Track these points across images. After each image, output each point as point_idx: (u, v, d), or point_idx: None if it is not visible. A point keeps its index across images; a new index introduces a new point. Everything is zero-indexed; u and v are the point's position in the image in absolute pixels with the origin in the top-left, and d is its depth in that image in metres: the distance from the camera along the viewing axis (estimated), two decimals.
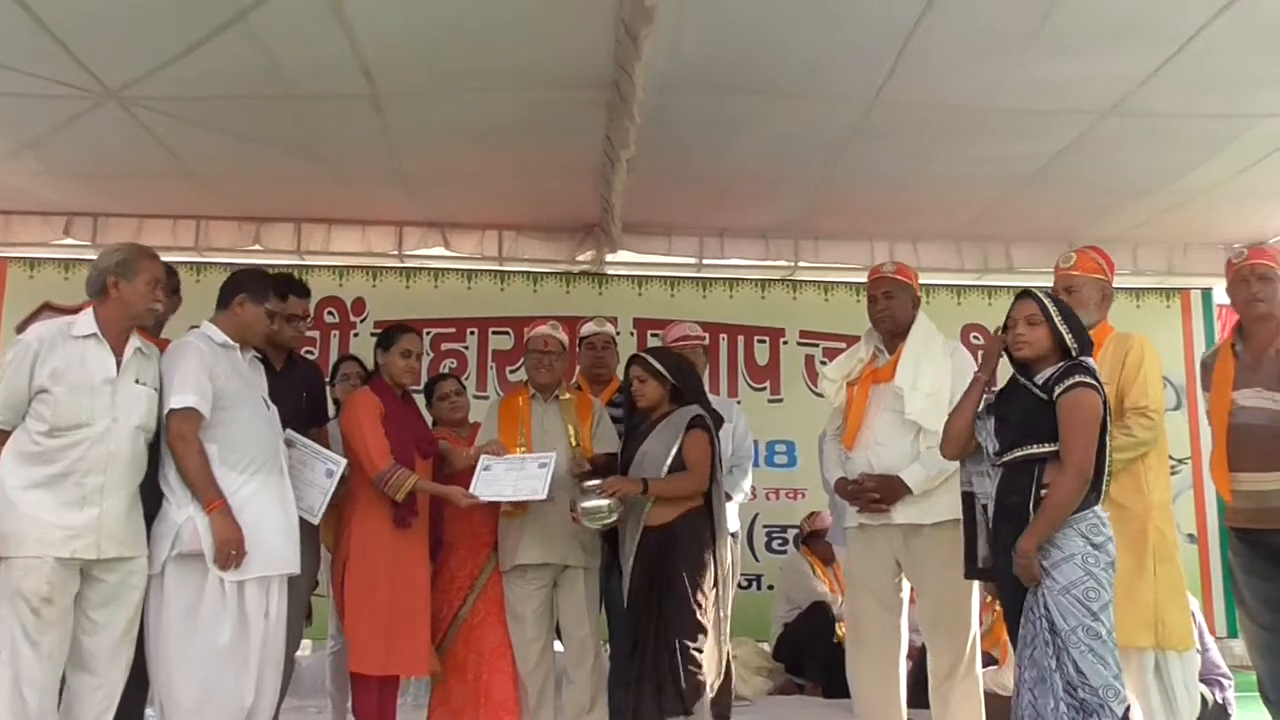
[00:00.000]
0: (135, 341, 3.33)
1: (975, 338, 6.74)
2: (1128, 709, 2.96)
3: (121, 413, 3.21)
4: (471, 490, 3.88)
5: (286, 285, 3.96)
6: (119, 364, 3.24)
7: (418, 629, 3.90)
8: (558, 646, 4.25)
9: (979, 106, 4.51)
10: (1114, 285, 3.81)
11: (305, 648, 4.72)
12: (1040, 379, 3.12)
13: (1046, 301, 3.15)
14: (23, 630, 3.07)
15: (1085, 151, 4.95)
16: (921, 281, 6.80)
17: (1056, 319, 3.13)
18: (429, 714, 4.19)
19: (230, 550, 3.25)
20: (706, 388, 4.44)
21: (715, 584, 3.85)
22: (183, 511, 3.28)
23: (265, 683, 3.39)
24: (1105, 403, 3.07)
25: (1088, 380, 3.04)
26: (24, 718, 3.05)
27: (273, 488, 3.46)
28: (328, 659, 4.52)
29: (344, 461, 3.80)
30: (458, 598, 4.13)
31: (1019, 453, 3.09)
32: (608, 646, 4.39)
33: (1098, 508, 3.06)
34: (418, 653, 3.90)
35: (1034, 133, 4.81)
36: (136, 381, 3.28)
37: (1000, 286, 6.89)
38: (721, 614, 3.89)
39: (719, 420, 4.03)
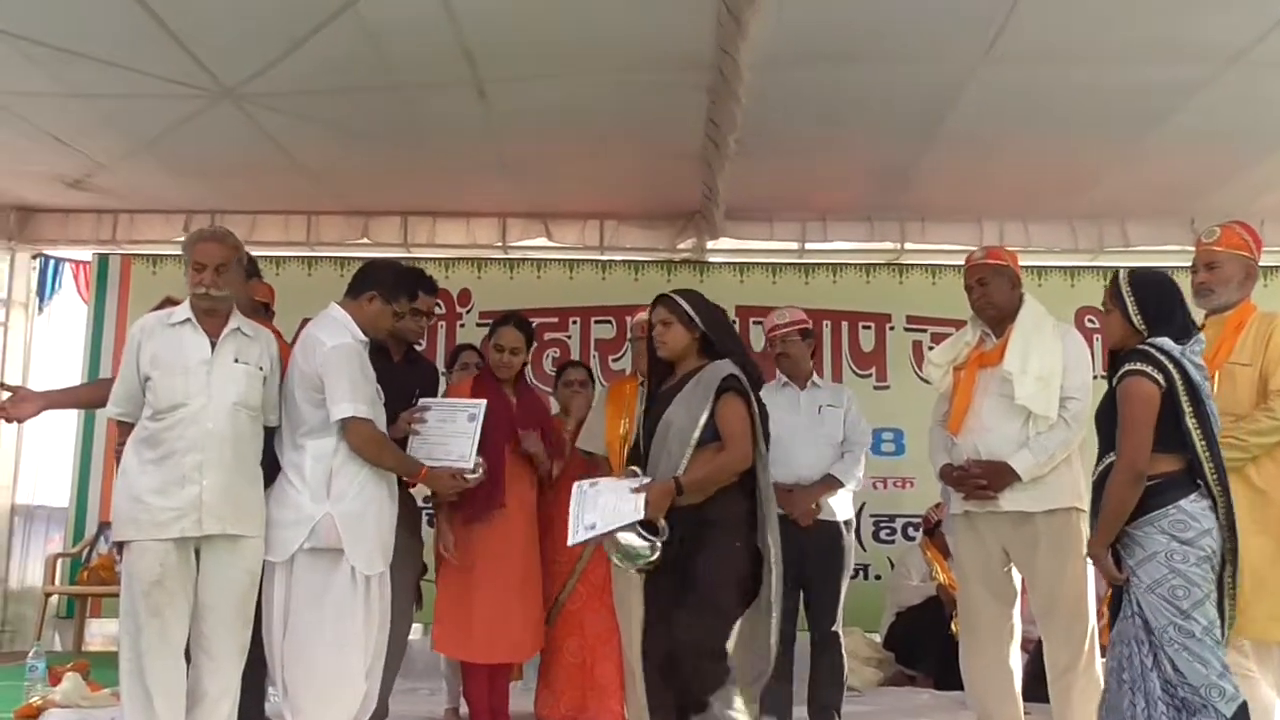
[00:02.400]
0: (235, 322, 3.38)
1: (1090, 321, 6.50)
2: (1243, 705, 2.79)
3: (217, 391, 3.27)
4: (571, 533, 3.41)
5: (417, 282, 3.98)
6: (214, 345, 3.31)
7: (509, 616, 3.91)
8: None
9: (1094, 56, 4.30)
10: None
11: (415, 631, 4.80)
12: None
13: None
14: (140, 613, 3.18)
15: (1207, 105, 4.69)
16: (1034, 263, 6.69)
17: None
18: (536, 693, 4.23)
19: (451, 496, 3.69)
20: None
21: (751, 577, 3.19)
22: (319, 507, 3.33)
23: (374, 670, 3.47)
24: (1171, 387, 2.86)
25: (1138, 366, 2.89)
26: (145, 698, 3.16)
27: (382, 481, 3.50)
28: None
29: (482, 403, 3.76)
30: (558, 582, 4.15)
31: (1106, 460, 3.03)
32: None
33: (1184, 502, 2.86)
34: (504, 640, 3.91)
35: (1152, 83, 4.57)
36: (235, 361, 3.33)
37: (1117, 268, 6.63)
38: (770, 602, 3.21)
39: (757, 378, 3.37)
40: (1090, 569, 3.62)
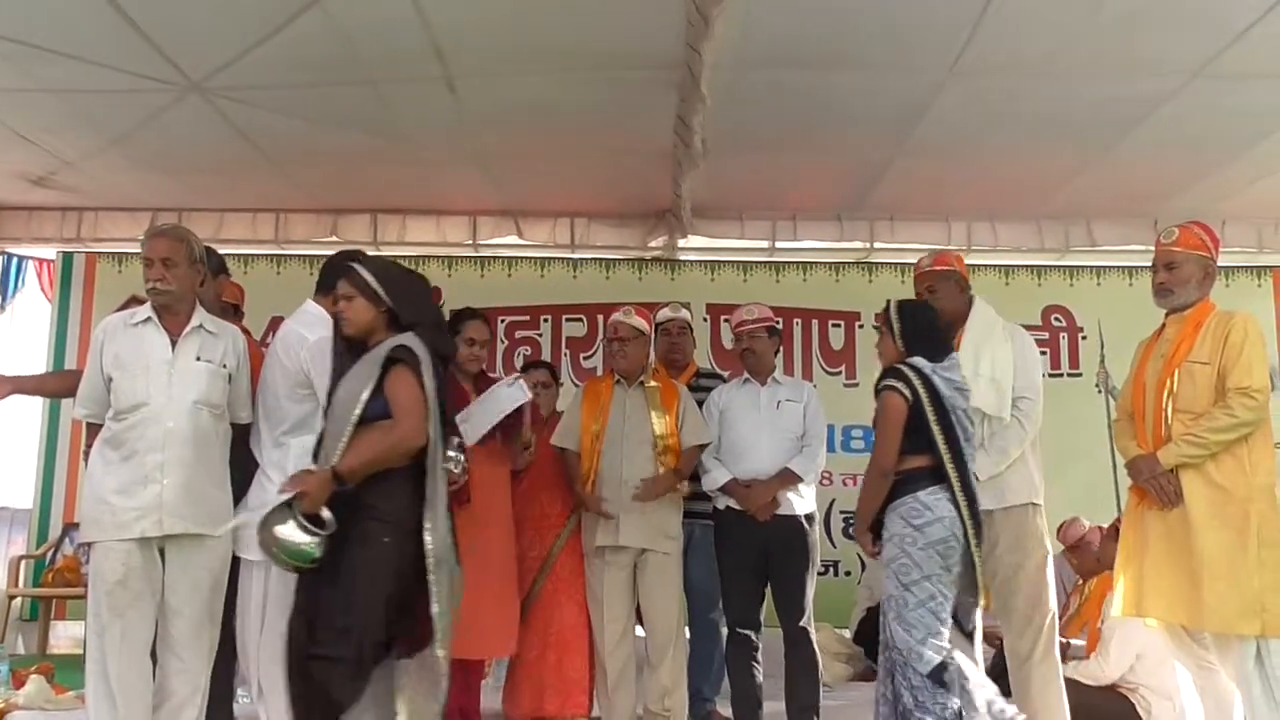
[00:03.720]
0: (198, 320, 3.36)
1: (1057, 319, 6.59)
2: (939, 667, 3.19)
3: (178, 390, 3.25)
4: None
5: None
6: (174, 344, 3.29)
7: (493, 612, 3.93)
8: (639, 631, 4.26)
9: (1061, 69, 4.37)
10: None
11: None
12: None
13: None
14: (104, 613, 3.16)
15: (1172, 115, 4.78)
16: (1002, 262, 6.76)
17: None
18: (504, 690, 4.24)
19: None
20: (780, 371, 4.40)
21: (408, 574, 2.92)
22: None
23: None
24: (918, 400, 3.31)
25: (891, 383, 3.37)
26: (109, 697, 3.14)
27: None
28: None
29: (515, 376, 3.96)
30: (528, 578, 4.16)
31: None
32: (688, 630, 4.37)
33: (922, 493, 3.30)
34: (485, 635, 3.92)
35: (1118, 96, 4.64)
36: (198, 359, 3.31)
37: (1083, 267, 6.72)
38: (442, 609, 2.96)
39: (446, 354, 3.19)
40: (1050, 562, 3.72)
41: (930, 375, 3.36)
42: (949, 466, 3.31)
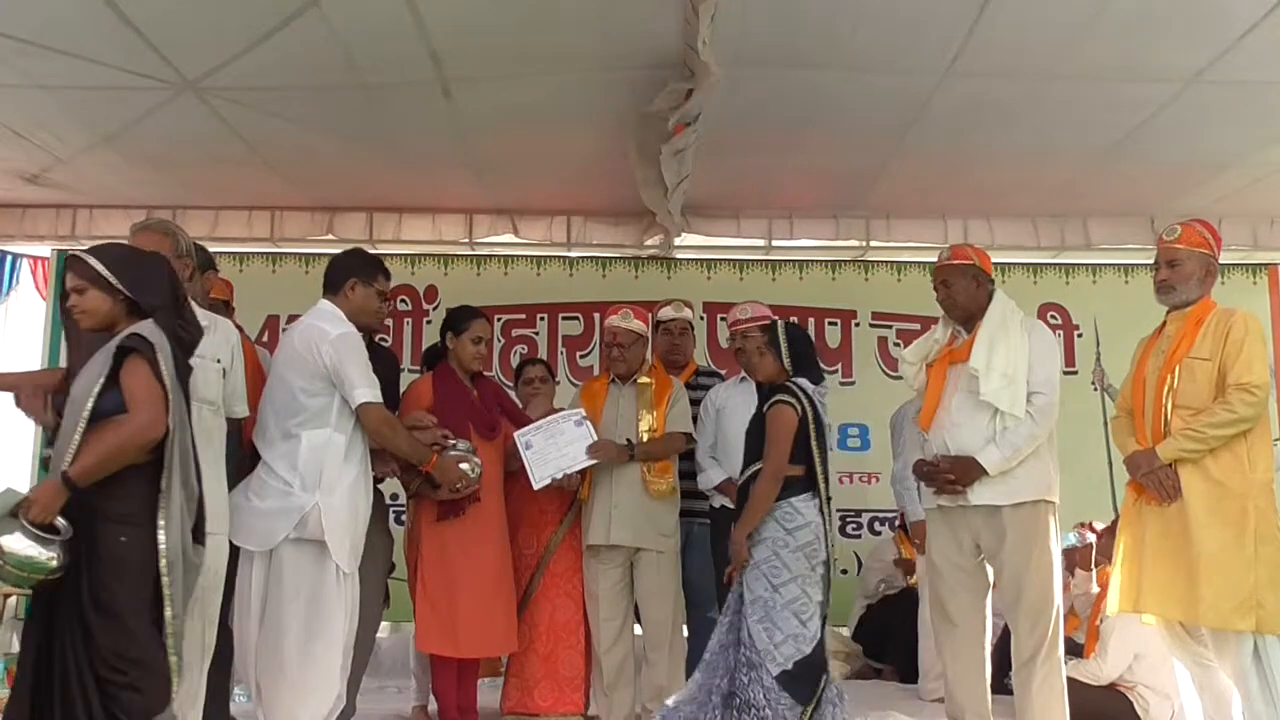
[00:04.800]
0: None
1: (1053, 317, 6.59)
2: (788, 670, 3.44)
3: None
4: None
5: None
6: None
7: (491, 610, 3.93)
8: (638, 630, 4.25)
9: (1057, 74, 4.37)
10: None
11: (383, 629, 4.78)
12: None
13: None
14: None
15: (1169, 121, 4.79)
16: (998, 260, 6.73)
17: (783, 344, 3.74)
18: (503, 688, 4.23)
19: (458, 485, 3.70)
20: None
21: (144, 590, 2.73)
22: (309, 497, 3.33)
23: (345, 668, 3.46)
24: (804, 416, 3.64)
25: (785, 398, 3.66)
26: None
27: (366, 480, 3.52)
28: (411, 640, 4.59)
29: (580, 411, 4.01)
30: (525, 575, 4.16)
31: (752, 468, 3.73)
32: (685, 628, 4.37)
33: (796, 500, 3.61)
34: (489, 634, 3.93)
35: (1115, 102, 4.66)
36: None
37: (1078, 265, 6.73)
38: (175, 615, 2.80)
39: (190, 341, 2.96)
40: (1057, 561, 3.70)
41: (813, 395, 3.71)
42: (820, 477, 3.66)
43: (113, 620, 2.66)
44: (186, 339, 2.94)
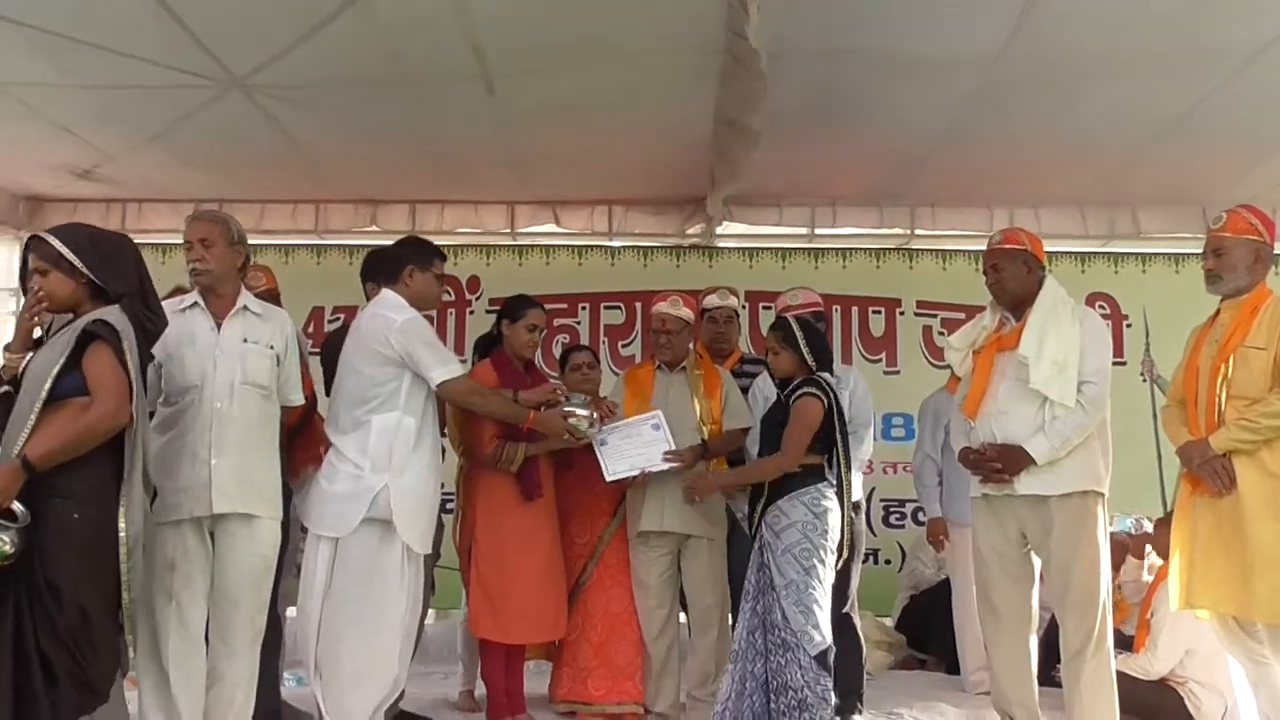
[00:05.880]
0: (243, 301, 3.39)
1: (1101, 306, 6.48)
2: (824, 651, 3.51)
3: (225, 371, 3.27)
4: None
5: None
6: (219, 326, 3.31)
7: (545, 597, 3.97)
8: (683, 617, 4.26)
9: (1109, 56, 4.28)
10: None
11: (430, 616, 4.83)
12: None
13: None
14: (156, 597, 3.16)
15: (1224, 103, 4.67)
16: (1045, 249, 6.67)
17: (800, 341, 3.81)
18: (552, 675, 4.26)
19: (564, 434, 3.77)
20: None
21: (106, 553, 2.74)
22: (380, 478, 3.39)
23: (406, 654, 3.52)
24: (830, 407, 3.73)
25: (812, 390, 3.74)
26: (163, 680, 3.16)
27: (437, 464, 3.59)
28: (460, 625, 4.65)
29: (658, 413, 4.01)
30: (578, 564, 4.18)
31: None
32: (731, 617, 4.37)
33: (822, 485, 3.70)
34: (541, 621, 3.96)
35: (1168, 83, 4.54)
36: (245, 340, 3.33)
37: (1127, 254, 6.61)
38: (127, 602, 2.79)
39: (154, 330, 2.94)
40: (1105, 553, 3.64)
41: (834, 388, 3.82)
42: (841, 465, 3.77)
43: (62, 598, 2.63)
44: (151, 329, 2.91)
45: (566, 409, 3.81)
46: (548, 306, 6.36)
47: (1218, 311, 3.48)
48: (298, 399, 3.50)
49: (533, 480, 3.94)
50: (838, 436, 3.76)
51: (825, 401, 3.74)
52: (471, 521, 4.01)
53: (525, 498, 3.94)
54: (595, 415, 3.85)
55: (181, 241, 3.45)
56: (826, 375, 3.85)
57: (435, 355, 3.48)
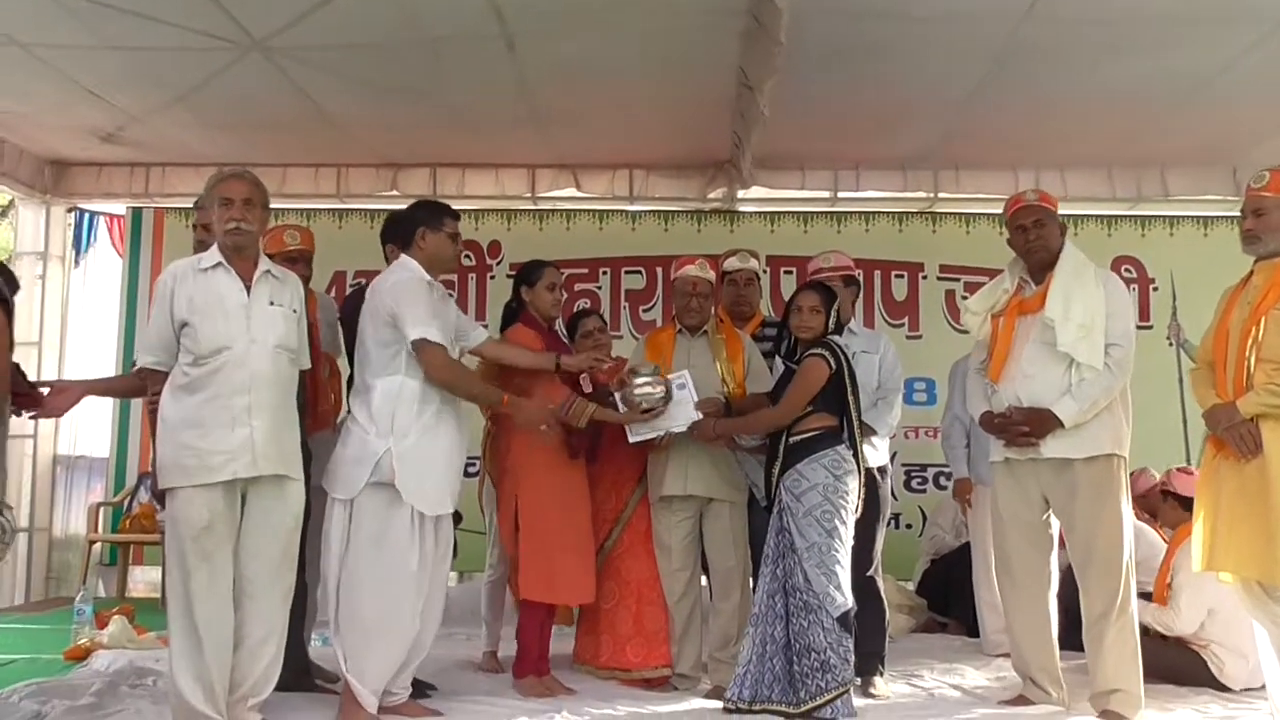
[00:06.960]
0: (264, 265, 3.38)
1: (1127, 269, 6.43)
2: (847, 613, 3.53)
3: (259, 334, 3.26)
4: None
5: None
6: (248, 289, 3.31)
7: (583, 559, 3.99)
8: (704, 581, 4.28)
9: (1138, 15, 4.23)
10: None
11: (451, 579, 4.87)
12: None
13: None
14: (189, 557, 3.16)
15: (1256, 64, 4.60)
16: (1069, 212, 6.59)
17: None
18: (578, 640, 4.29)
19: (542, 423, 3.68)
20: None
21: None
22: (383, 442, 3.40)
23: (430, 611, 3.55)
24: (839, 369, 3.70)
25: (820, 352, 3.72)
26: (194, 638, 3.17)
27: (449, 421, 3.55)
28: (484, 587, 4.68)
29: (685, 373, 3.95)
30: (604, 530, 4.19)
31: None
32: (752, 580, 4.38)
33: (840, 448, 3.68)
34: (582, 582, 3.99)
35: (1197, 44, 4.49)
36: (271, 303, 3.33)
37: (1154, 216, 6.54)
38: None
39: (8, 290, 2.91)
40: (1128, 516, 3.63)
41: (845, 350, 3.80)
42: (857, 426, 3.75)
43: None
44: (8, 295, 2.89)
45: (638, 383, 3.80)
46: (568, 271, 6.43)
47: (1251, 273, 3.42)
48: (306, 362, 3.50)
49: (583, 439, 3.94)
50: (850, 399, 3.73)
51: (832, 363, 3.72)
52: (511, 488, 4.01)
53: (571, 455, 3.93)
54: (662, 386, 3.81)
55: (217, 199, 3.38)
56: (839, 339, 3.85)
57: (418, 314, 3.43)
